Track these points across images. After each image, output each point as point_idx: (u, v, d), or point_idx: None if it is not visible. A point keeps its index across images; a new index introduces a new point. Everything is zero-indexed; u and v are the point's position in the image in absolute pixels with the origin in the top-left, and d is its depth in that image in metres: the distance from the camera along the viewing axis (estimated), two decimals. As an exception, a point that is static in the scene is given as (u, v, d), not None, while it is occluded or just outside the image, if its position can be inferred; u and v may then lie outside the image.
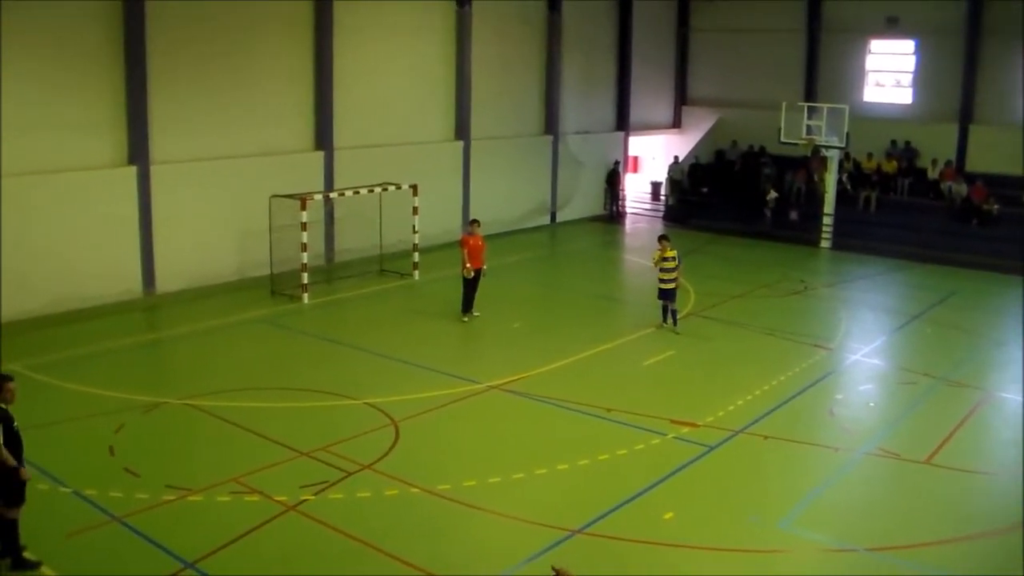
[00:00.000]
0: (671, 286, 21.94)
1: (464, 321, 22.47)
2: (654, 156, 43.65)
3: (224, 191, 25.22)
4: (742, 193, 37.68)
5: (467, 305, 22.60)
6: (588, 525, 12.65)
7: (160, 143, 24.00)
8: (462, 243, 22.83)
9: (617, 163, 39.50)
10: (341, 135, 28.31)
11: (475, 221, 23.39)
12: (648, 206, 41.75)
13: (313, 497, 13.22)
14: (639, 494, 13.72)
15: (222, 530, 12.20)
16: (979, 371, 20.51)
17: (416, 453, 14.97)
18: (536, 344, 21.09)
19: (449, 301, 23.50)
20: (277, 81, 26.75)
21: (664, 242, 22.21)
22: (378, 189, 25.96)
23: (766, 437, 16.07)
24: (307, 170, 27.28)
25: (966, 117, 36.27)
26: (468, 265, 22.23)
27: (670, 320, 22.13)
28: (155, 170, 23.76)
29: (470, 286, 22.51)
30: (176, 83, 24.24)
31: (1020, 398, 18.59)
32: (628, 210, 40.41)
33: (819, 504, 13.92)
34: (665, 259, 21.85)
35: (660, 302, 22.25)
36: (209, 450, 14.99)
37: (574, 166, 37.63)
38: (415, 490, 13.56)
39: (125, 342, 20.69)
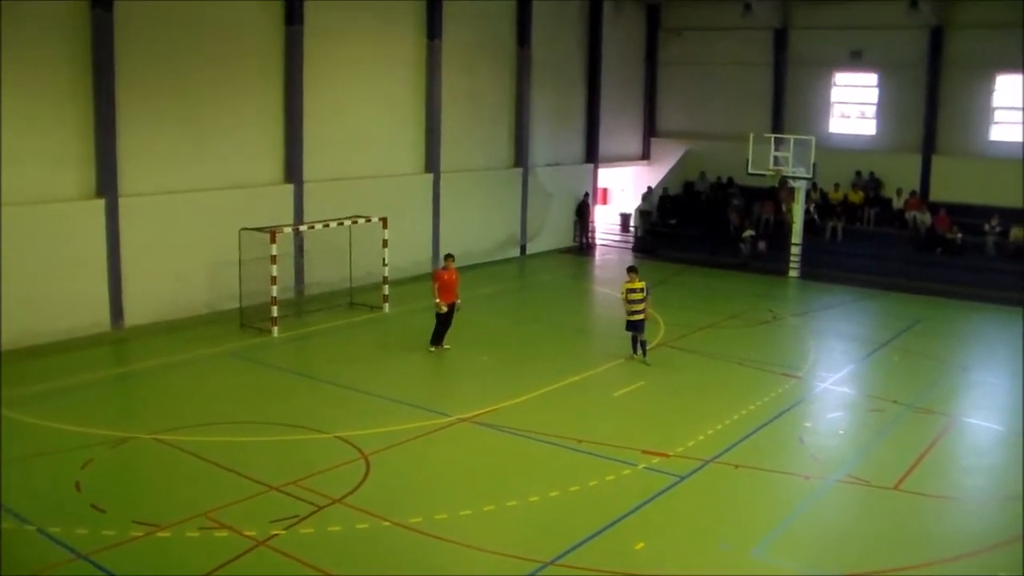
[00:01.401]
0: (639, 317, 21.94)
1: (431, 352, 22.46)
2: (623, 188, 43.95)
3: (193, 224, 25.12)
4: (711, 224, 37.94)
5: (437, 338, 22.59)
6: (560, 557, 12.61)
7: (129, 176, 23.91)
8: (435, 277, 22.83)
9: (587, 195, 39.69)
10: (311, 168, 28.31)
11: (449, 256, 23.37)
12: (618, 237, 41.97)
13: (283, 532, 13.12)
14: (610, 525, 13.70)
15: (191, 566, 12.08)
16: (945, 397, 20.72)
17: (387, 486, 14.90)
18: (506, 376, 21.09)
19: (419, 334, 23.46)
20: (247, 114, 26.75)
21: (632, 273, 22.28)
22: (348, 222, 25.94)
23: (737, 466, 16.11)
24: (277, 203, 27.24)
25: (929, 148, 36.84)
26: (438, 300, 22.22)
27: (640, 351, 22.16)
28: (124, 203, 23.65)
29: (443, 320, 22.51)
30: (145, 116, 24.19)
31: (984, 423, 18.86)
32: (598, 242, 40.59)
33: (791, 532, 13.96)
34: (633, 291, 21.88)
35: (629, 333, 22.28)
36: (178, 485, 14.84)
37: (544, 198, 37.78)
38: (386, 523, 13.49)
39: (93, 376, 20.53)
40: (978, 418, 19.32)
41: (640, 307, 21.87)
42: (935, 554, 13.20)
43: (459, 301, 22.74)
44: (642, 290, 21.93)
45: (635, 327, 22.04)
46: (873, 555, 13.11)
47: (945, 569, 12.81)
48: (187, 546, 12.71)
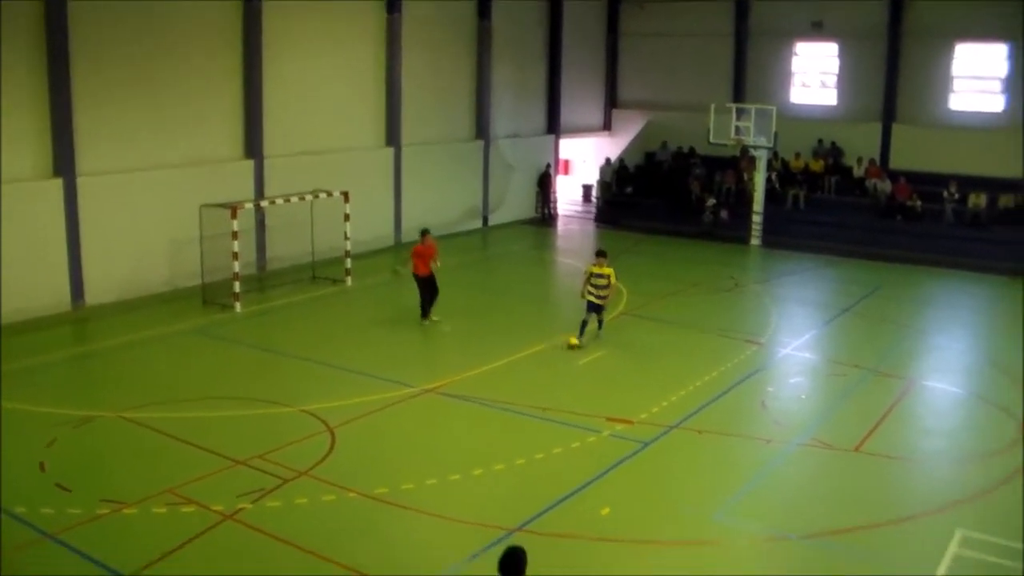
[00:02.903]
0: (597, 302, 21.01)
1: (424, 325, 22.44)
2: (585, 159, 44.02)
3: (153, 202, 24.90)
4: (673, 194, 38.08)
5: (424, 310, 22.57)
6: (526, 523, 12.72)
7: (86, 155, 23.64)
8: (413, 253, 22.68)
9: (548, 166, 39.72)
10: (271, 143, 28.13)
11: (424, 231, 22.87)
12: (580, 208, 42.12)
13: (250, 505, 13.13)
14: (576, 491, 13.83)
15: (159, 542, 12.06)
16: (904, 361, 21.01)
17: (353, 458, 14.94)
18: (470, 347, 21.16)
19: (382, 307, 23.52)
20: (206, 90, 26.48)
21: (600, 258, 21.24)
22: (309, 196, 25.83)
23: (700, 432, 16.29)
24: (237, 179, 27.06)
25: (889, 117, 37.16)
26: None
27: (594, 325, 21.24)
28: (82, 182, 23.38)
29: (422, 291, 22.50)
30: (102, 94, 23.89)
31: (942, 386, 19.32)
32: (560, 212, 40.65)
33: (754, 495, 14.14)
34: (599, 275, 20.93)
35: (585, 315, 21.20)
36: (143, 462, 14.78)
37: (505, 170, 37.78)
38: (352, 495, 13.54)
39: (55, 356, 20.33)
40: (936, 381, 19.66)
41: (603, 293, 20.93)
42: (896, 513, 13.42)
43: (437, 265, 22.51)
44: (607, 276, 20.96)
45: (593, 308, 21.09)
46: (835, 516, 13.33)
47: (906, 527, 13.06)
48: (154, 522, 12.68)
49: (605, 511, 13.25)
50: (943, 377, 19.91)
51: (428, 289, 22.52)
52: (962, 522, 13.07)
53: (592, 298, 21.01)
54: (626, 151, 42.53)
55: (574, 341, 20.84)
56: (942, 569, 11.83)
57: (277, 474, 14.13)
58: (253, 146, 27.68)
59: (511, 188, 38.23)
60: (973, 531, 12.78)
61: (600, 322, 21.55)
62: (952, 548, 12.32)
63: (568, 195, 42.85)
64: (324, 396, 17.48)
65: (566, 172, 43.60)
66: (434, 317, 22.64)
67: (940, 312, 25.99)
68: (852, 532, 12.82)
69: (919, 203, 34.08)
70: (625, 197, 39.46)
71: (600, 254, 21.57)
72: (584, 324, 21.05)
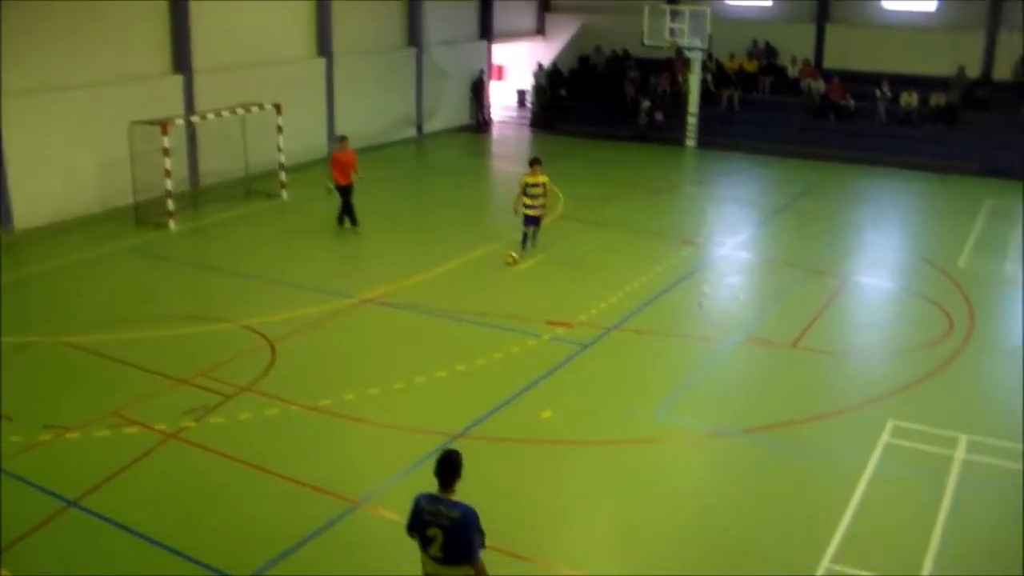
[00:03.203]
0: (535, 213, 20.51)
1: (354, 231, 22.59)
2: (519, 64, 43.58)
3: (80, 121, 24.24)
4: (608, 97, 37.94)
5: (349, 218, 22.64)
6: (469, 428, 12.91)
7: (7, 75, 22.90)
8: (332, 161, 22.65)
9: (482, 72, 39.34)
10: (200, 57, 27.43)
11: (342, 138, 23.11)
12: (515, 114, 41.91)
13: (194, 424, 13.13)
14: (517, 395, 14.01)
15: (103, 465, 12.02)
16: (838, 258, 21.38)
17: (294, 371, 14.95)
18: (408, 255, 21.14)
19: (319, 219, 23.32)
20: (130, 4, 25.70)
21: (535, 167, 20.48)
22: (240, 110, 25.36)
23: (639, 332, 16.51)
24: (166, 95, 26.41)
25: (823, 17, 37.25)
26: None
27: (530, 243, 20.96)
28: (5, 103, 22.71)
29: (344, 199, 22.51)
30: (22, 9, 23.09)
31: (873, 281, 19.77)
32: (495, 118, 40.40)
33: (693, 393, 14.45)
34: (534, 185, 20.33)
35: (526, 228, 20.87)
36: (84, 386, 14.64)
37: (439, 77, 37.34)
38: (295, 408, 13.58)
39: (-14, 282, 19.98)
40: (870, 277, 20.05)
41: (540, 202, 20.46)
42: (831, 406, 13.82)
43: (359, 176, 22.55)
44: (542, 185, 20.41)
45: (531, 222, 20.71)
46: (773, 410, 13.68)
47: (841, 419, 13.46)
48: (98, 445, 12.63)
49: (547, 414, 13.46)
50: (876, 273, 20.33)
51: (349, 198, 22.53)
52: (894, 412, 13.48)
53: (528, 211, 20.52)
54: (560, 55, 42.17)
55: (512, 257, 20.47)
56: (875, 458, 12.20)
57: (219, 391, 14.11)
58: (182, 61, 26.97)
59: (445, 95, 37.85)
60: (904, 421, 13.18)
61: (534, 234, 21.11)
62: (884, 437, 12.72)
63: (503, 101, 42.54)
64: (263, 311, 17.40)
65: (500, 78, 43.23)
66: (352, 226, 22.73)
67: (873, 209, 26.35)
68: (790, 426, 13.16)
69: (852, 102, 34.34)
70: (560, 101, 39.25)
71: (534, 163, 20.83)
72: (525, 238, 20.87)
